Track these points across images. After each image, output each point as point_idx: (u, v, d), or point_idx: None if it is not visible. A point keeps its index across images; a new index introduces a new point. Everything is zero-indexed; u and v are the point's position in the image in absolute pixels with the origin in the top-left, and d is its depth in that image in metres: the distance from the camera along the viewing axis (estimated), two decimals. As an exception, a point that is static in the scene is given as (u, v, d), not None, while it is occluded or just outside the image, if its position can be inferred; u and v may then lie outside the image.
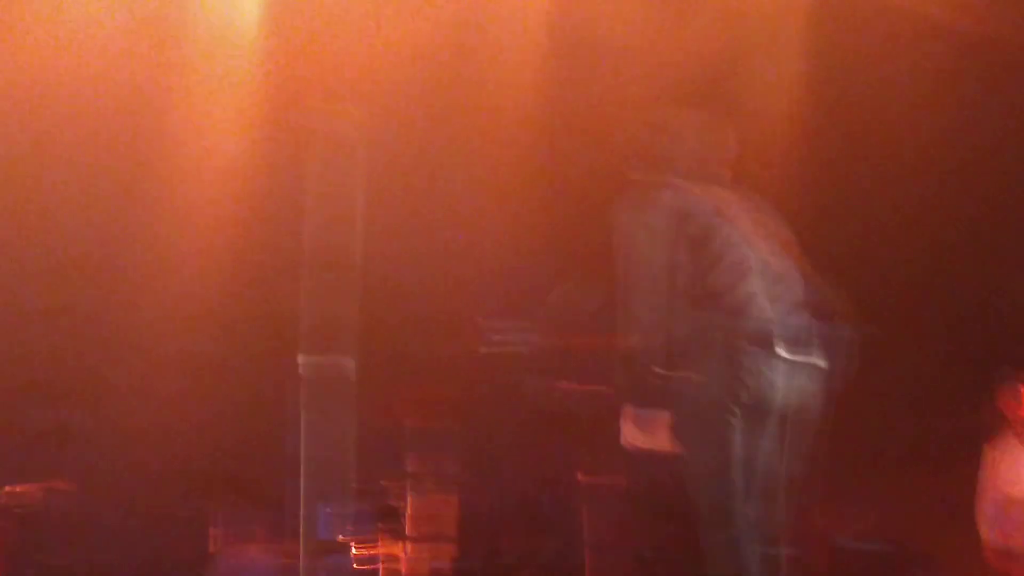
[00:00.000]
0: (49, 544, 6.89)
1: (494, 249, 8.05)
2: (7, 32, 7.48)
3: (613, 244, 4.62)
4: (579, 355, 5.31)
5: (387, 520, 6.04)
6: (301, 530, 4.36)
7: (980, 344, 7.87)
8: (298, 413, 4.36)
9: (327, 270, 4.50)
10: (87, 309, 7.91)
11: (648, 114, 4.99)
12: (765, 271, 4.65)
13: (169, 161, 7.90)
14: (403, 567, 6.11)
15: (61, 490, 7.25)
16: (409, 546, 6.05)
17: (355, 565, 6.15)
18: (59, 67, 7.59)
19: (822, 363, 4.65)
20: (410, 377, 7.04)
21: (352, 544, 6.21)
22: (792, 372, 4.59)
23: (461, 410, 6.61)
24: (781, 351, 4.54)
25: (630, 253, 4.56)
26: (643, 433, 4.55)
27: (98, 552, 7.08)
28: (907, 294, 7.93)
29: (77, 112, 7.75)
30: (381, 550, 6.17)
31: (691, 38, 7.72)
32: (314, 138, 4.27)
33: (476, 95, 8.04)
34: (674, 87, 7.49)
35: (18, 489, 6.88)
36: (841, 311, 4.73)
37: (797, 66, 8.03)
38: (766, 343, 4.54)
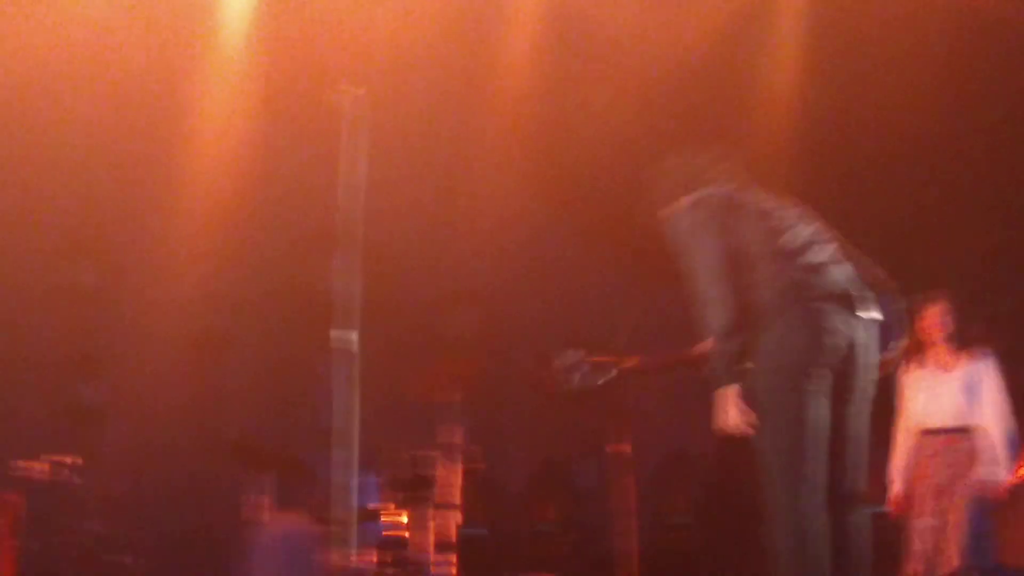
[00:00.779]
0: (88, 515, 6.99)
1: (506, 225, 8.13)
2: (22, 19, 7.59)
3: (673, 250, 4.69)
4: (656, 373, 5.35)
5: (417, 489, 6.12)
6: (333, 499, 4.44)
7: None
8: (330, 385, 4.45)
9: (355, 246, 4.57)
10: (126, 288, 8.04)
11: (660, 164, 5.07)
12: (822, 244, 4.72)
13: (192, 143, 8.01)
14: (432, 535, 6.20)
15: (101, 463, 7.40)
16: (438, 514, 6.15)
17: (386, 532, 6.25)
18: (74, 51, 7.69)
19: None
20: (438, 350, 7.15)
21: (383, 512, 6.30)
22: (867, 329, 4.60)
23: (490, 382, 6.70)
24: (859, 310, 4.56)
25: (691, 253, 4.62)
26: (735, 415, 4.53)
27: (137, 522, 7.19)
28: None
29: (101, 94, 7.86)
30: (411, 518, 6.26)
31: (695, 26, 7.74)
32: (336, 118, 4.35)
33: (481, 80, 8.12)
34: (677, 76, 7.54)
35: (59, 461, 7.00)
36: (889, 284, 4.77)
37: (798, 53, 8.03)
38: (846, 300, 4.56)
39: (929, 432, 6.58)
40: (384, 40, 7.77)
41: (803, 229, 4.71)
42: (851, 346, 4.54)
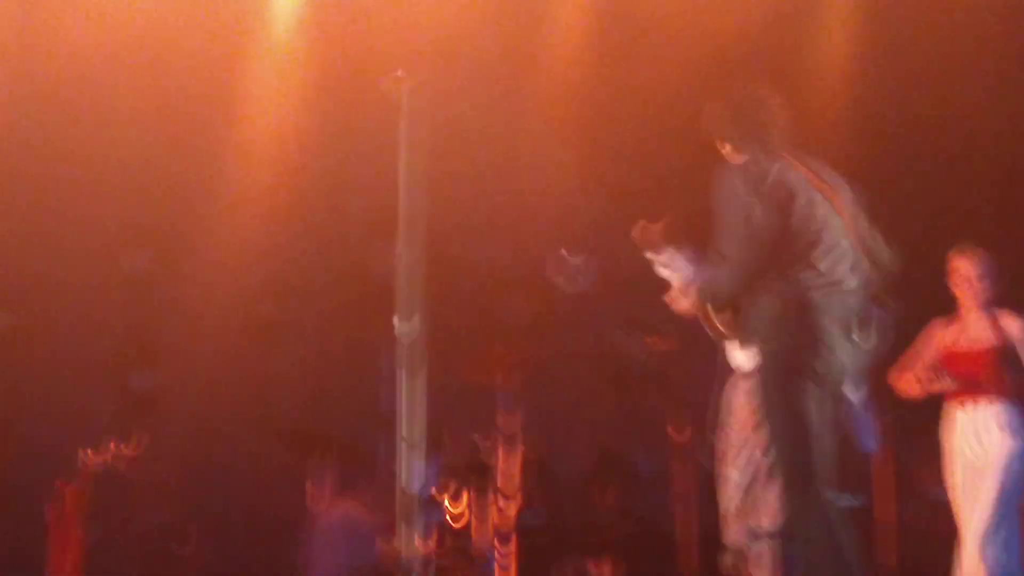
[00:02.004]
0: (147, 504, 7.03)
1: (563, 209, 8.11)
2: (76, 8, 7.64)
3: (719, 204, 4.77)
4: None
5: (478, 475, 6.12)
6: (395, 485, 4.44)
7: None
8: (390, 372, 4.45)
9: (416, 233, 4.56)
10: (183, 276, 8.08)
11: (736, 89, 5.08)
12: (851, 250, 4.83)
13: (247, 132, 8.03)
14: (492, 521, 6.20)
15: (160, 452, 7.44)
16: (499, 500, 6.15)
17: (447, 519, 6.26)
18: (127, 41, 7.73)
19: (871, 345, 4.84)
20: (498, 337, 7.12)
21: (444, 498, 6.30)
22: (856, 355, 4.78)
23: (550, 368, 6.68)
24: (855, 337, 4.74)
25: (741, 217, 4.69)
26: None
27: (196, 511, 7.23)
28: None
29: (157, 85, 7.90)
30: (470, 504, 6.25)
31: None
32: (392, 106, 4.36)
33: (530, 62, 8.10)
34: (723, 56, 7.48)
35: (118, 450, 7.04)
36: (883, 291, 4.88)
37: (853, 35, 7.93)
38: (847, 328, 4.73)
39: None
40: (435, 26, 7.75)
41: (834, 237, 4.79)
42: (841, 368, 4.75)
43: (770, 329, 4.72)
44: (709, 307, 5.00)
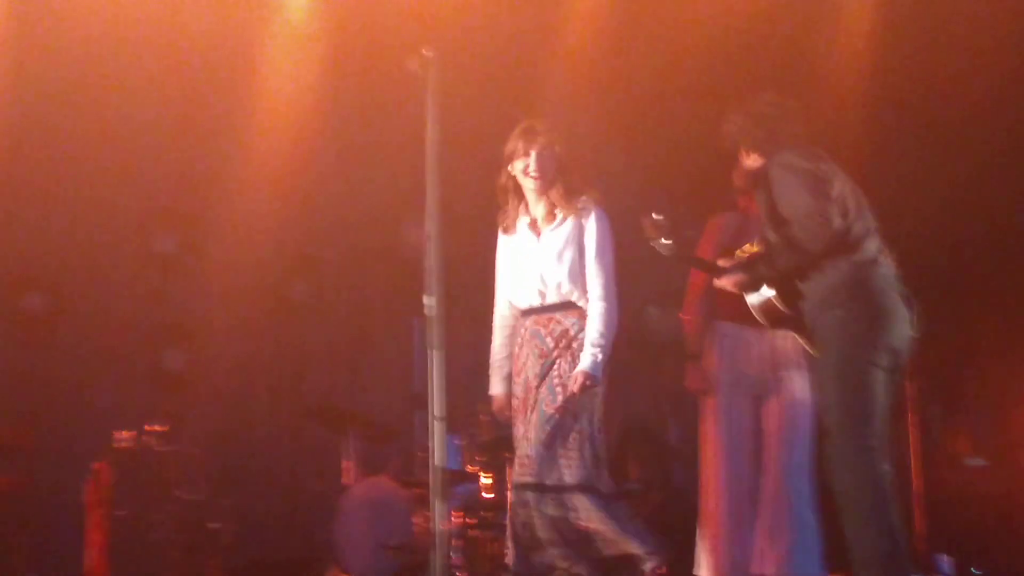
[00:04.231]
0: (175, 482, 7.08)
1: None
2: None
3: (776, 179, 4.86)
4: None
5: (499, 450, 6.13)
6: (430, 461, 4.47)
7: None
8: (424, 350, 4.48)
9: (440, 211, 4.58)
10: (209, 254, 8.11)
11: (752, 99, 5.15)
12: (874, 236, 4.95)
13: (271, 109, 8.04)
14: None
15: (187, 430, 7.50)
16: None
17: (483, 494, 6.28)
18: (146, 18, 7.74)
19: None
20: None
21: (480, 474, 6.32)
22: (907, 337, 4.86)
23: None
24: (909, 317, 4.84)
25: (805, 177, 4.79)
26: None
27: (224, 488, 7.28)
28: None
29: (179, 62, 7.92)
30: (494, 480, 6.28)
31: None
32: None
33: (551, 40, 8.08)
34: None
35: (146, 429, 7.10)
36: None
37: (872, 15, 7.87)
38: (906, 297, 4.83)
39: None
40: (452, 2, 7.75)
41: (861, 218, 4.89)
42: (907, 338, 4.84)
43: (838, 296, 4.75)
44: (764, 286, 5.02)
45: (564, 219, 5.32)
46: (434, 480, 4.48)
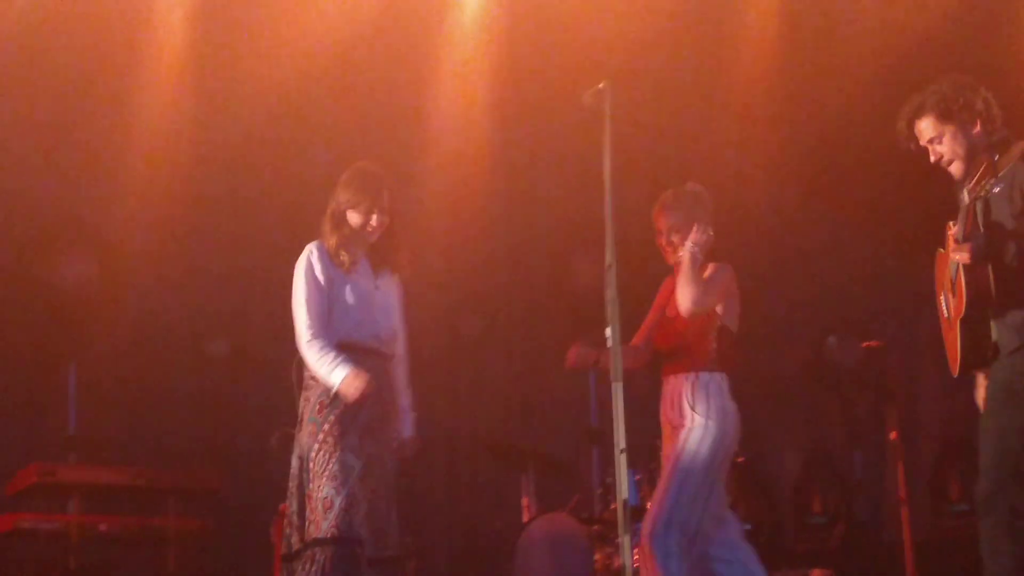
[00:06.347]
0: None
1: (759, 212, 8.00)
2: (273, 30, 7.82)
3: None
4: None
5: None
6: (615, 495, 4.43)
7: None
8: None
9: (619, 243, 4.56)
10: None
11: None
12: None
13: (448, 150, 8.14)
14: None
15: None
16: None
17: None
18: (320, 66, 7.88)
19: None
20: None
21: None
22: None
23: (754, 372, 6.59)
24: None
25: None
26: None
27: (401, 525, 7.34)
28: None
29: (351, 106, 8.06)
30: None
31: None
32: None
33: (719, 67, 8.00)
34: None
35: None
36: None
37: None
38: None
39: None
40: (624, 33, 7.75)
41: None
42: None
43: None
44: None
45: None
46: (621, 514, 4.42)
